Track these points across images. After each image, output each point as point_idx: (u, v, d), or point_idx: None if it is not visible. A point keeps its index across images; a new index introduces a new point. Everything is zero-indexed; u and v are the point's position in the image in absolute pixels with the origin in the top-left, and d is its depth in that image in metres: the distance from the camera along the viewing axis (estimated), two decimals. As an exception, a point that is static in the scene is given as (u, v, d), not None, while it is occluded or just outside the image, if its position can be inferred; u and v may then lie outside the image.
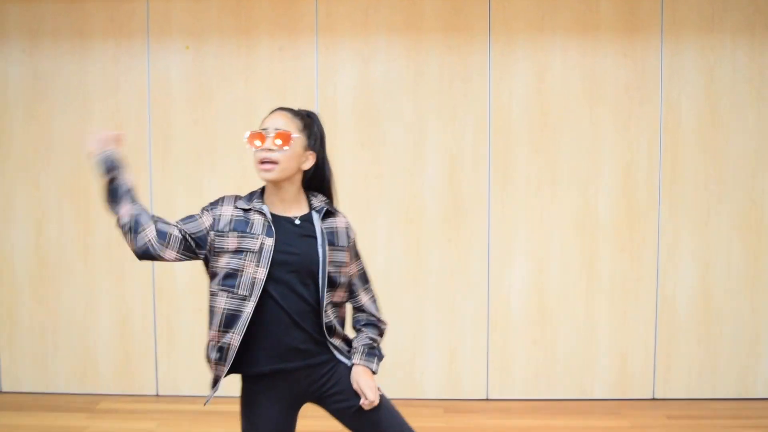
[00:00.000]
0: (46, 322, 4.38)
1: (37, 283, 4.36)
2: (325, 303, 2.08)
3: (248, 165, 4.17)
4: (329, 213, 2.17)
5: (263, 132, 2.10)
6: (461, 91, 4.22)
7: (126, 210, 2.07)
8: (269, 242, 2.02)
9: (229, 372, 2.12)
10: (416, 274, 4.29)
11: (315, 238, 2.09)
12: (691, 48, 4.20)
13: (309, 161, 2.17)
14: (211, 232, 2.08)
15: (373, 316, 2.27)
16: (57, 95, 4.28)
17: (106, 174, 2.15)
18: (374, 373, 2.18)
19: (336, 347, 2.17)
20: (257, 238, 2.04)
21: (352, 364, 2.17)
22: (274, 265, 2.03)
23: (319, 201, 2.18)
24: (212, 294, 2.10)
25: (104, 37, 4.25)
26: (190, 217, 2.13)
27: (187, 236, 2.08)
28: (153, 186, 4.28)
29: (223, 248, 2.06)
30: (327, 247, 2.08)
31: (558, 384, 4.33)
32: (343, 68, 4.24)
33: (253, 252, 2.02)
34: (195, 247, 2.09)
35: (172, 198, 4.28)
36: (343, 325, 2.24)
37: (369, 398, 2.10)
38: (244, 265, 2.02)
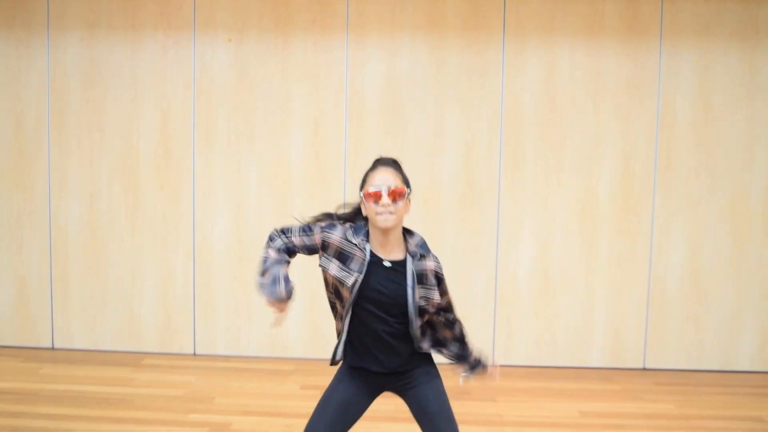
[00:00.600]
0: (96, 286, 4.83)
1: (88, 252, 4.81)
2: (415, 328, 2.41)
3: (283, 149, 4.64)
4: (422, 256, 2.46)
5: (380, 191, 2.36)
6: (477, 85, 4.63)
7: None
8: (361, 279, 2.34)
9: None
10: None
11: (405, 280, 2.39)
12: (688, 50, 4.59)
13: (409, 206, 2.49)
14: (321, 251, 2.42)
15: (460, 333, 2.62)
16: (110, 81, 4.71)
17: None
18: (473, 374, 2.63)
19: (421, 359, 2.51)
20: (352, 275, 2.32)
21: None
22: (365, 299, 2.32)
23: (414, 245, 2.43)
24: (329, 298, 2.49)
25: (154, 30, 4.68)
26: (307, 231, 2.44)
27: (304, 248, 2.45)
28: (195, 167, 4.71)
29: (327, 268, 2.40)
30: (417, 288, 2.39)
31: (557, 353, 4.76)
32: (371, 62, 4.65)
33: (347, 286, 2.35)
34: (308, 253, 2.46)
35: (214, 179, 4.72)
36: (432, 338, 2.56)
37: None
38: (341, 291, 2.38)
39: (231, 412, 3.83)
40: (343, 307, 2.37)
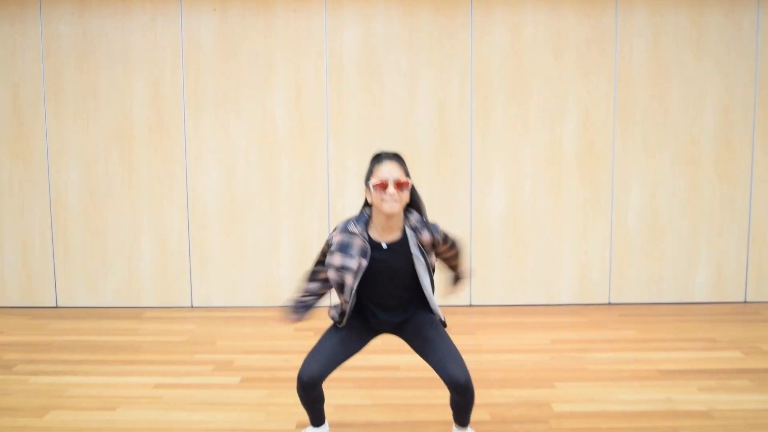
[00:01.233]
0: (96, 247, 5.11)
1: (88, 213, 5.09)
2: (424, 284, 2.74)
3: (268, 111, 4.94)
4: (420, 230, 2.75)
5: (386, 182, 2.65)
6: (448, 46, 4.96)
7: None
8: (365, 264, 2.60)
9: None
10: (411, 202, 5.04)
11: (404, 254, 2.66)
12: (642, 10, 4.96)
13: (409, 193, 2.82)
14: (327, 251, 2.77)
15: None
16: (103, 52, 4.97)
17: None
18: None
19: (419, 308, 2.85)
20: (355, 258, 2.61)
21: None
22: (372, 275, 2.62)
23: (414, 221, 2.72)
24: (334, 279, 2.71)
25: (143, 1, 4.94)
26: (321, 260, 2.79)
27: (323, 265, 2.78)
28: (186, 131, 5.00)
29: (331, 262, 2.64)
30: (419, 255, 2.71)
31: (529, 292, 5.14)
32: (348, 27, 4.96)
33: (351, 271, 2.60)
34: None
35: (204, 141, 5.01)
36: (433, 285, 2.80)
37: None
38: (343, 277, 2.63)
39: (232, 352, 4.15)
40: (348, 290, 2.66)
